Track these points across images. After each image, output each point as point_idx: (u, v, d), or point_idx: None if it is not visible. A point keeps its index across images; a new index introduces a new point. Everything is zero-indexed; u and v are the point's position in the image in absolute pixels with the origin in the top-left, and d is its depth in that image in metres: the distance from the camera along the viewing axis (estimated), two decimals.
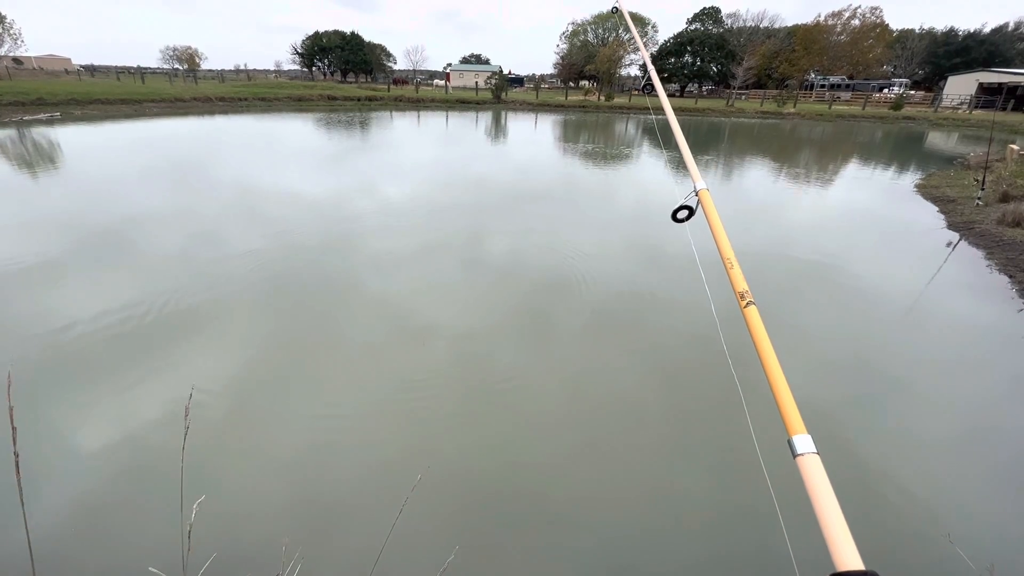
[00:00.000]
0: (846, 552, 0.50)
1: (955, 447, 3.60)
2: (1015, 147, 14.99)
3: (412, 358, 4.44)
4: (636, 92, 56.20)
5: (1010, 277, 6.67)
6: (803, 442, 0.61)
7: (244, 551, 2.59)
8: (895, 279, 6.62)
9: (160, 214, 8.38)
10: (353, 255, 6.88)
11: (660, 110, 1.67)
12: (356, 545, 2.69)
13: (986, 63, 51.48)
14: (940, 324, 5.45)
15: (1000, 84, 42.27)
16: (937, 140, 26.00)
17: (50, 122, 20.60)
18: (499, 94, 41.33)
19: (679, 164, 16.68)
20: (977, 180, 10.91)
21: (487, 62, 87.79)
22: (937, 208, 10.59)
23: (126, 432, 3.42)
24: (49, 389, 3.82)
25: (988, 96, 42.30)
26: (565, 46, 66.27)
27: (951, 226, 9.22)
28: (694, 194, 1.14)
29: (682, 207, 1.17)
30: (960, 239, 8.41)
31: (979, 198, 10.26)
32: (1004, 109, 38.66)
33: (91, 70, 54.98)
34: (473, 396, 3.99)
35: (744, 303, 0.81)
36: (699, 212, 1.18)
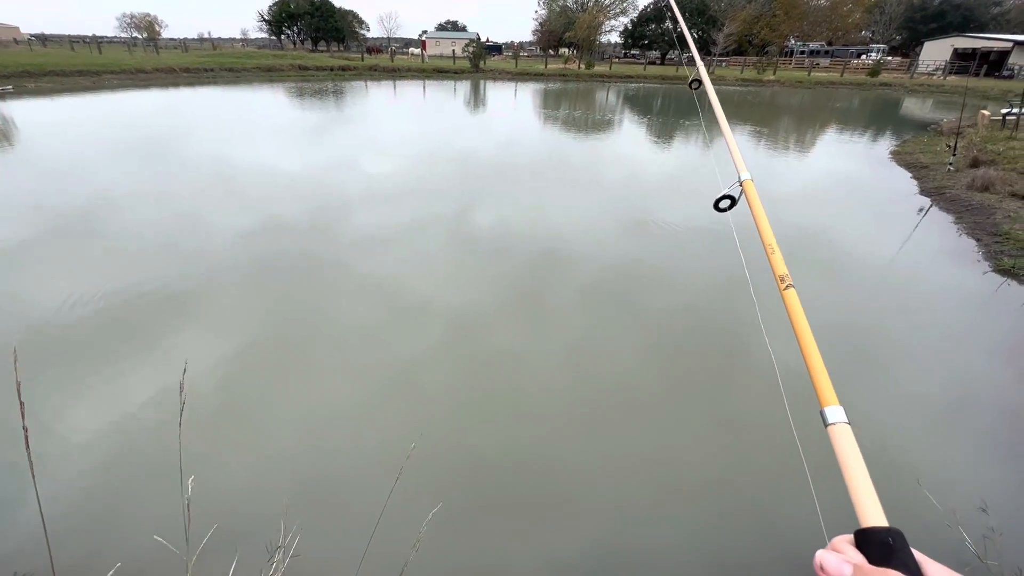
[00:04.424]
0: (871, 510, 0.54)
1: (924, 401, 3.78)
2: (986, 112, 15.29)
3: (405, 336, 4.43)
4: (616, 60, 55.23)
5: (977, 240, 6.91)
6: (835, 413, 0.66)
7: (244, 524, 2.63)
8: (866, 245, 6.80)
9: (132, 195, 8.08)
10: (339, 233, 6.76)
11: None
12: (353, 517, 2.75)
13: (961, 28, 51.74)
14: (909, 288, 5.65)
15: (974, 50, 42.62)
16: (912, 106, 26.32)
17: (2, 95, 19.45)
18: (477, 63, 40.20)
19: (661, 131, 16.62)
20: (949, 146, 11.14)
21: (464, 29, 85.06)
22: (910, 174, 10.82)
23: (122, 415, 3.39)
24: (35, 374, 3.74)
25: (962, 62, 42.66)
26: (544, 12, 64.46)
27: (923, 192, 9.45)
28: (738, 184, 1.16)
29: (725, 196, 1.19)
30: (931, 205, 8.64)
31: (951, 164, 10.49)
32: (977, 75, 39.11)
33: (42, 39, 51.66)
34: (472, 373, 4.03)
35: (784, 286, 0.87)
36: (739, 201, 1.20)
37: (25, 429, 1.11)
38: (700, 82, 1.72)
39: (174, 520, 2.29)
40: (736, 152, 1.25)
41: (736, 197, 1.18)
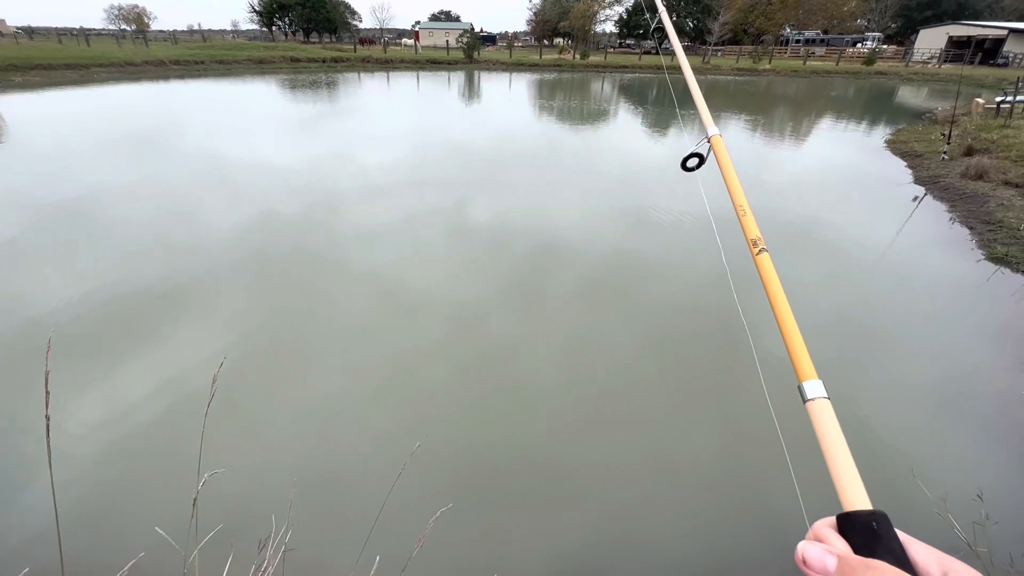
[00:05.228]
0: (854, 492, 0.51)
1: (914, 388, 3.81)
2: (980, 101, 15.31)
3: (405, 331, 4.41)
4: (611, 50, 54.87)
5: (970, 229, 6.93)
6: (814, 387, 0.62)
7: (240, 522, 2.63)
8: (862, 234, 6.81)
9: (126, 190, 7.99)
10: (335, 228, 6.70)
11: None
12: (351, 515, 2.75)
13: (956, 16, 51.63)
14: (902, 277, 5.67)
15: (969, 37, 42.59)
16: (907, 95, 26.30)
17: None
18: (471, 53, 39.85)
19: (655, 121, 16.56)
20: (944, 135, 11.14)
21: (457, 19, 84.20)
22: (905, 163, 10.83)
23: (118, 413, 3.38)
24: (30, 373, 3.72)
25: (957, 50, 42.64)
26: (538, 1, 63.91)
27: (917, 180, 9.47)
28: (706, 141, 1.09)
29: (692, 155, 1.12)
30: (925, 194, 8.66)
31: (945, 152, 10.50)
32: (972, 63, 39.07)
33: (29, 32, 50.70)
34: (469, 367, 4.01)
35: (756, 250, 0.81)
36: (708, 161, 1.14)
37: (47, 418, 1.10)
38: (663, 29, 1.67)
39: (172, 516, 2.29)
40: (703, 107, 1.18)
41: (704, 155, 1.12)
